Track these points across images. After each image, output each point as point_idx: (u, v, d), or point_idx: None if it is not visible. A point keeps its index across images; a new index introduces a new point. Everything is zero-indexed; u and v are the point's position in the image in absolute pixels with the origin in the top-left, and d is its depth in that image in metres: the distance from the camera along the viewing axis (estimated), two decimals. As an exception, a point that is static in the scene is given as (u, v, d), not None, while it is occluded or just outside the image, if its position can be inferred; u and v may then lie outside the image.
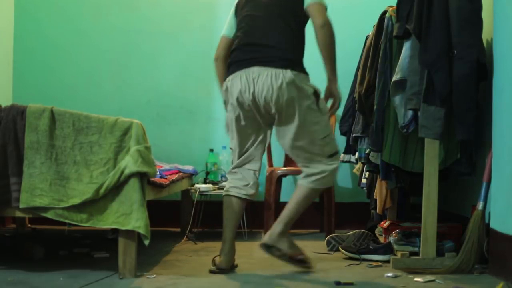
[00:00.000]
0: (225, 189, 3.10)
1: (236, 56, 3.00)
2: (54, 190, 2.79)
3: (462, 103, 2.96)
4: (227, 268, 2.98)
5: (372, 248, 3.27)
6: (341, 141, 4.32)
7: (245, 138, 3.04)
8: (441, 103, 2.97)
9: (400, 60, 3.12)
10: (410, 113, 3.11)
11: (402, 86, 3.11)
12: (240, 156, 3.06)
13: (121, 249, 2.79)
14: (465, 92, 2.95)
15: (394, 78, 3.11)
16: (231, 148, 3.11)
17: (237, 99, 2.91)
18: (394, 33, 3.14)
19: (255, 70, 2.87)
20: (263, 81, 2.84)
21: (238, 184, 3.04)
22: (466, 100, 2.96)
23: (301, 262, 3.02)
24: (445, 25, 2.97)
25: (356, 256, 3.26)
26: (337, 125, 4.35)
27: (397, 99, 3.14)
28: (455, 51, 2.96)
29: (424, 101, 3.00)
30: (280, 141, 3.03)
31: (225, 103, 3.06)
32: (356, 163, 4.14)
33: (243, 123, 2.99)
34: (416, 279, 2.80)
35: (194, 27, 4.72)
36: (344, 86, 4.21)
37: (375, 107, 3.25)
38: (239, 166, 3.07)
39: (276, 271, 3.02)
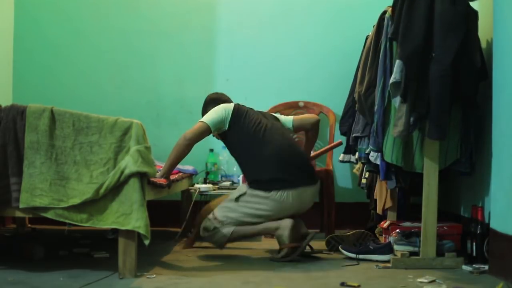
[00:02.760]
0: None
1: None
2: (54, 190, 2.79)
3: (436, 106, 2.96)
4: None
5: (372, 248, 3.27)
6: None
7: None
8: (403, 96, 3.00)
9: (397, 61, 3.12)
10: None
11: (401, 86, 3.10)
12: None
13: (121, 249, 2.79)
14: (438, 94, 2.95)
15: (391, 80, 3.10)
16: None
17: None
18: (389, 35, 3.14)
19: None
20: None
21: None
22: (440, 103, 2.96)
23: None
24: (425, 27, 2.97)
25: (353, 256, 3.28)
26: (337, 125, 4.35)
27: (397, 100, 3.13)
28: (433, 54, 2.97)
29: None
30: None
31: None
32: (356, 163, 4.14)
33: None
34: (417, 279, 2.80)
35: (194, 27, 4.72)
36: (344, 86, 4.24)
37: (375, 107, 3.25)
38: None
39: (276, 271, 3.02)
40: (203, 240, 3.52)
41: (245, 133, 3.45)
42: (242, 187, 3.51)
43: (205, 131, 3.44)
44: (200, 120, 3.47)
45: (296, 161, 3.45)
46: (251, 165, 3.47)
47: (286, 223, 3.36)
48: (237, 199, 3.42)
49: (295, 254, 3.30)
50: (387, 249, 3.23)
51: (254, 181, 3.43)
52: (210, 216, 3.44)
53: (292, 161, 3.43)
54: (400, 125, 3.03)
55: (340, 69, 4.54)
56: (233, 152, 3.57)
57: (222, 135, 3.56)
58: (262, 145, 3.41)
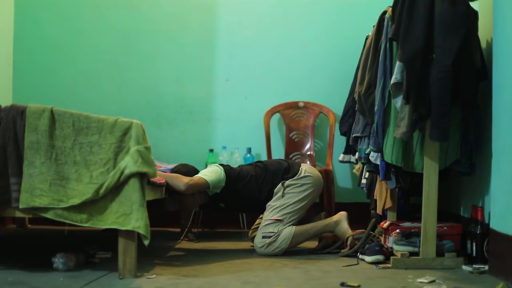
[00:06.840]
0: None
1: None
2: (54, 190, 2.79)
3: (437, 107, 2.96)
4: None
5: (365, 248, 3.28)
6: (341, 141, 4.33)
7: None
8: (405, 98, 2.99)
9: (397, 62, 3.11)
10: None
11: (403, 88, 3.10)
12: None
13: (121, 249, 2.79)
14: (438, 96, 2.95)
15: (392, 80, 3.11)
16: None
17: None
18: (389, 36, 3.14)
19: None
20: None
21: None
22: (440, 105, 2.95)
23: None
24: (426, 28, 2.96)
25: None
26: (337, 125, 4.36)
27: (398, 101, 3.14)
28: (434, 55, 2.97)
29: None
30: None
31: None
32: (356, 163, 4.14)
33: None
34: (417, 279, 2.80)
35: (194, 27, 4.72)
36: (344, 86, 4.24)
37: (375, 107, 3.25)
38: None
39: (276, 271, 3.02)
40: (261, 252, 3.49)
41: (240, 173, 3.61)
42: (278, 188, 3.59)
43: (204, 186, 3.51)
44: (201, 176, 3.51)
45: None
46: (265, 178, 3.61)
47: (341, 216, 3.63)
48: (283, 194, 3.57)
49: (361, 242, 3.38)
50: (373, 250, 3.23)
51: (282, 177, 3.61)
52: (266, 222, 3.51)
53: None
54: (403, 126, 3.02)
55: (340, 69, 4.54)
56: (237, 190, 3.59)
57: (219, 194, 3.59)
58: (257, 166, 3.67)
